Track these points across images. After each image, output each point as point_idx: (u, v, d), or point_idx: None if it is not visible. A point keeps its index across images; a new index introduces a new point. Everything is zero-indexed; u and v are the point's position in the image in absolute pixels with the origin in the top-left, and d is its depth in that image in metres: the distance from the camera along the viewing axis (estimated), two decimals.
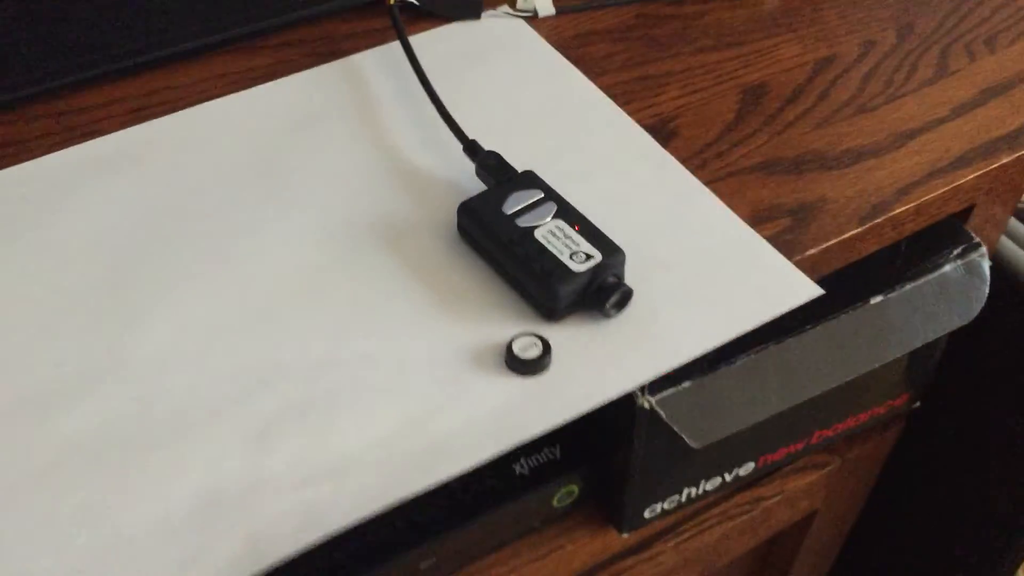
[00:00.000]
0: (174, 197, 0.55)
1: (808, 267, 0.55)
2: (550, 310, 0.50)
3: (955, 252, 0.67)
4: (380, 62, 0.64)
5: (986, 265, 0.68)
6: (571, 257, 0.50)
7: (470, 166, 0.56)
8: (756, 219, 0.56)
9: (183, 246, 0.53)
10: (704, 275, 0.52)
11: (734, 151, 0.59)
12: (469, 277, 0.52)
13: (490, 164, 0.55)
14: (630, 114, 0.61)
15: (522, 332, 0.49)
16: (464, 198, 0.54)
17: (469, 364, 0.49)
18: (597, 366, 0.48)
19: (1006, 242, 0.79)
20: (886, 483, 0.93)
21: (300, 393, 0.47)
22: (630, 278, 0.51)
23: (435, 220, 0.55)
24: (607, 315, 0.50)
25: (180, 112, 0.60)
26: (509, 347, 0.48)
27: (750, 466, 0.73)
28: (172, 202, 0.55)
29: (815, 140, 0.60)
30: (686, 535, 0.74)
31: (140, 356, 0.48)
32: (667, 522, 0.73)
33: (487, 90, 0.62)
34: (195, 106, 0.61)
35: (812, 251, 0.54)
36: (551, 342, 0.49)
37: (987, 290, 0.69)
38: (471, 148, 0.56)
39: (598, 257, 0.50)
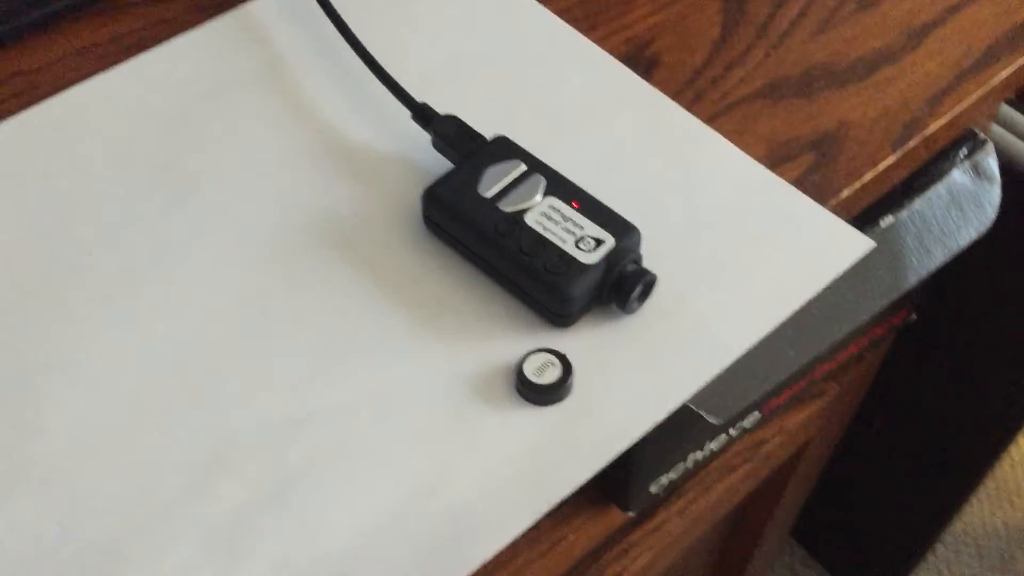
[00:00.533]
0: (48, 222, 0.43)
1: (844, 211, 0.46)
2: (562, 316, 0.40)
3: (961, 154, 0.59)
4: (285, 8, 0.51)
5: (995, 163, 0.61)
6: (577, 245, 0.40)
7: (423, 135, 0.45)
8: (774, 160, 0.46)
9: (72, 291, 0.41)
10: (733, 243, 0.43)
11: (730, 76, 0.49)
12: (448, 283, 0.42)
13: (448, 133, 0.44)
14: (598, 43, 0.50)
15: (532, 349, 0.39)
16: (424, 177, 0.44)
17: (470, 399, 0.39)
18: (630, 379, 0.39)
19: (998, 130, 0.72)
20: (872, 396, 0.88)
21: (268, 472, 0.37)
22: (645, 259, 0.42)
23: (393, 211, 0.44)
24: (629, 310, 0.40)
25: (41, 104, 0.47)
26: (520, 371, 0.39)
27: (755, 416, 0.66)
28: (46, 229, 0.43)
29: (819, 50, 0.51)
30: (691, 497, 0.67)
31: (48, 454, 0.37)
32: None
33: (423, 33, 0.50)
34: (58, 94, 0.48)
35: (846, 192, 0.45)
36: (569, 356, 0.39)
37: (999, 192, 0.61)
38: (422, 113, 0.45)
39: (610, 241, 0.40)
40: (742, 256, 0.43)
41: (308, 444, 0.37)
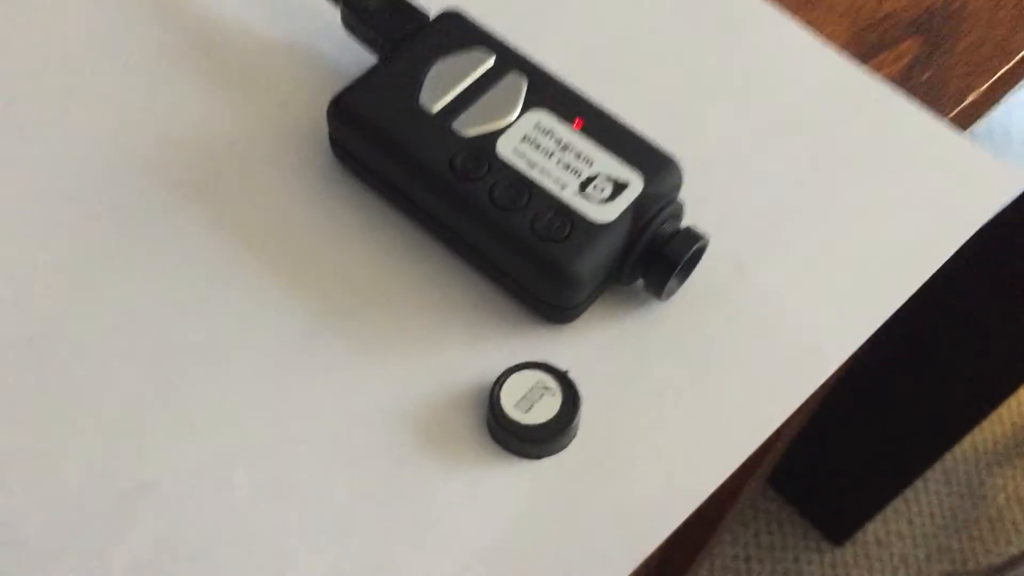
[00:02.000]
0: None
1: (963, 120, 0.31)
2: (560, 309, 0.25)
3: None
4: None
5: None
6: (583, 190, 0.24)
7: (328, 15, 0.29)
8: (864, 51, 0.31)
9: None
10: (805, 180, 0.28)
11: None
12: (375, 252, 0.26)
13: (367, 4, 0.28)
14: None
15: (512, 365, 0.24)
16: (333, 80, 0.28)
17: (408, 452, 0.23)
18: (670, 408, 0.24)
19: None
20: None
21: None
22: (690, 213, 0.26)
23: (286, 137, 0.28)
24: (666, 294, 0.25)
25: None
26: (494, 401, 0.23)
27: None
28: None
29: None
30: None
31: None
32: None
33: None
34: None
35: (973, 95, 0.30)
36: (573, 374, 0.24)
37: None
38: None
39: (635, 182, 0.25)
40: (821, 200, 0.28)
41: (147, 522, 0.22)
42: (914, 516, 1.01)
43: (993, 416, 1.00)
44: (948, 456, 1.01)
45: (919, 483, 1.02)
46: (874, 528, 1.00)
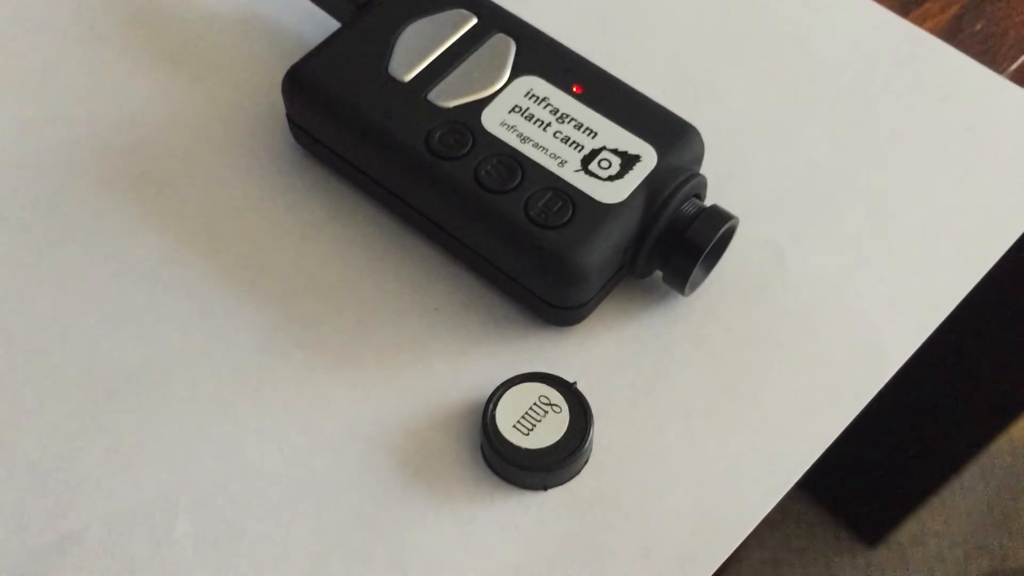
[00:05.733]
0: None
1: (1021, 80, 0.27)
2: (563, 309, 0.21)
3: None
4: None
5: None
6: (586, 167, 0.20)
7: None
8: (905, 2, 0.27)
9: None
10: (862, 152, 0.24)
11: None
12: (342, 244, 0.22)
13: None
14: None
15: (508, 377, 0.20)
16: (290, 49, 0.24)
17: (390, 492, 0.20)
18: (700, 423, 0.20)
19: None
20: None
21: None
22: (713, 192, 0.22)
23: (238, 113, 0.24)
24: (689, 287, 0.21)
25: None
26: (488, 421, 0.19)
27: None
28: None
29: None
30: None
31: None
32: None
33: None
34: None
35: None
36: (582, 386, 0.20)
37: None
38: None
39: (648, 154, 0.21)
40: (868, 173, 0.23)
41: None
42: (950, 514, 0.97)
43: None
44: (984, 451, 0.97)
45: (955, 480, 0.98)
46: (909, 527, 0.96)
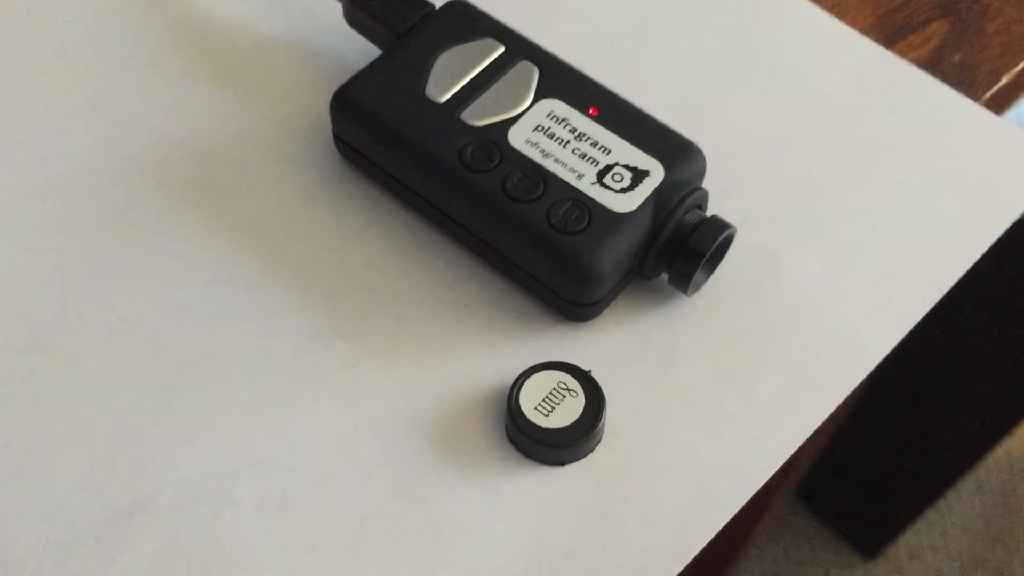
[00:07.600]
0: None
1: (997, 103, 0.29)
2: (580, 306, 0.23)
3: None
4: None
5: None
6: (601, 180, 0.23)
7: (334, 7, 0.28)
8: (889, 35, 0.29)
9: None
10: (837, 169, 0.26)
11: None
12: (382, 250, 0.25)
13: None
14: None
15: (530, 366, 0.23)
16: (335, 74, 0.26)
17: (424, 466, 0.22)
18: (703, 409, 0.23)
19: None
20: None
21: None
22: (714, 204, 0.25)
23: (285, 133, 0.26)
24: (692, 288, 0.24)
25: None
26: (512, 404, 0.22)
27: None
28: None
29: None
30: None
31: None
32: None
33: None
34: None
35: (1007, 77, 0.29)
36: (597, 374, 0.23)
37: None
38: None
39: (656, 169, 0.23)
40: (854, 188, 0.26)
41: (141, 540, 0.20)
42: (948, 527, 0.98)
43: None
44: (980, 465, 0.99)
45: (951, 493, 1.00)
46: (906, 541, 0.97)
